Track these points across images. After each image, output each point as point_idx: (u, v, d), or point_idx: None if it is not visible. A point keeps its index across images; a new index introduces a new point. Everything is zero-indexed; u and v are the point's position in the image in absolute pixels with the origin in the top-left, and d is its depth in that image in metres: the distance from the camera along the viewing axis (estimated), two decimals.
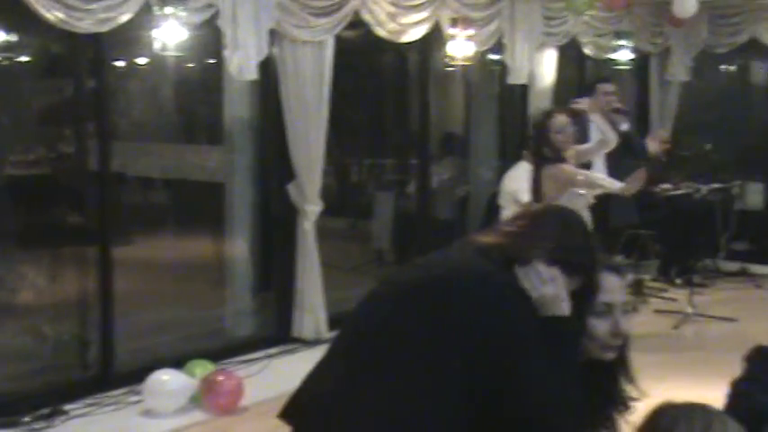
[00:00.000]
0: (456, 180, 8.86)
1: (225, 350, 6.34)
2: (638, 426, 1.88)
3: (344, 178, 10.21)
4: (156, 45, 5.69)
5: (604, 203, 6.97)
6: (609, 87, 7.12)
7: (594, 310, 2.33)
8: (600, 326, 2.33)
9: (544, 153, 5.71)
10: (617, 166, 7.00)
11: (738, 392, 2.57)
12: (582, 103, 6.29)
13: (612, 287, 2.37)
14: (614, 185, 6.09)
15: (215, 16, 5.74)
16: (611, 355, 2.38)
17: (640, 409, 1.98)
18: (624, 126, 7.18)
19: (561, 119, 5.79)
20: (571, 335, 2.28)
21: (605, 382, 2.40)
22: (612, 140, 6.28)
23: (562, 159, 5.77)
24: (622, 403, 2.42)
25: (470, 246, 2.37)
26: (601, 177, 6.25)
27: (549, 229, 2.36)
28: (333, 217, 8.60)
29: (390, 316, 2.29)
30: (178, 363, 5.69)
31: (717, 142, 8.50)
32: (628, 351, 2.41)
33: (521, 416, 2.18)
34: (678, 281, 8.48)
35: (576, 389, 2.23)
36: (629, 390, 2.43)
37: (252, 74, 5.95)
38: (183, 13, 5.60)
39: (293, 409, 2.38)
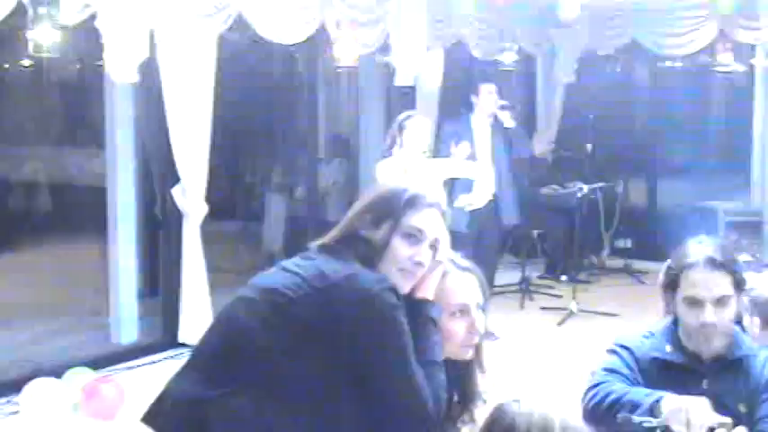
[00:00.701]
0: (346, 182, 8.88)
1: (110, 357, 6.23)
2: (482, 424, 1.91)
3: (235, 181, 10.13)
4: (35, 47, 5.56)
5: (494, 204, 7.13)
6: (491, 87, 7.25)
7: (450, 311, 2.37)
8: (457, 326, 2.37)
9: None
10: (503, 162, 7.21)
11: (595, 383, 2.65)
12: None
13: (468, 287, 2.41)
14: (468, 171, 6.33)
15: (94, 17, 5.64)
16: (469, 353, 2.42)
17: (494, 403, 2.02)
18: (511, 122, 7.32)
19: (418, 120, 5.98)
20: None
21: (463, 378, 2.44)
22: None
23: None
24: (480, 398, 2.47)
25: (327, 246, 2.38)
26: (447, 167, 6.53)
27: (372, 196, 2.42)
28: (224, 220, 8.53)
29: (253, 320, 2.28)
30: (60, 372, 5.55)
31: (601, 142, 8.70)
32: (483, 347, 2.45)
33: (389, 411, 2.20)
34: (564, 278, 8.65)
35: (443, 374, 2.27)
36: (485, 384, 2.48)
37: (132, 75, 5.85)
38: (60, 14, 5.48)
39: (155, 413, 2.36)
